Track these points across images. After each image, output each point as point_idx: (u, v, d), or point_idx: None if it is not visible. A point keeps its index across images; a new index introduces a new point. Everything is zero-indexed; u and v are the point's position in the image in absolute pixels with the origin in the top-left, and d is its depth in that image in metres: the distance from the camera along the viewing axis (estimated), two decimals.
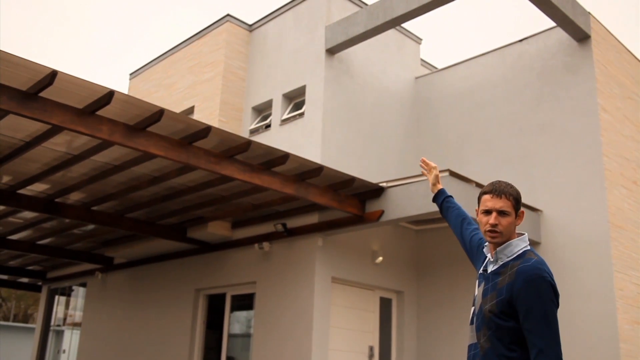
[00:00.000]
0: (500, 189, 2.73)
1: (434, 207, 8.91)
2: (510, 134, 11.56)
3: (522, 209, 2.78)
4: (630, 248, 10.49)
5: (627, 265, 10.23)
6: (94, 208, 10.68)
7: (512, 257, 2.66)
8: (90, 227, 12.12)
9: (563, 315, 9.97)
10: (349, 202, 9.60)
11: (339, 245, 10.51)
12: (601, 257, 9.87)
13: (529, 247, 2.69)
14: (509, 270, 2.62)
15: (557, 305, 2.52)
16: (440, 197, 3.43)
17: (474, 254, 3.00)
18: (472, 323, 2.76)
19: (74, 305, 18.18)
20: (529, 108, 11.44)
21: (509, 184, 2.80)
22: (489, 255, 2.79)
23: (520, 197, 2.79)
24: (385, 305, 11.42)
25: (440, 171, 9.23)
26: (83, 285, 16.47)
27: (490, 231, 2.70)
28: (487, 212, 2.73)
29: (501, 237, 2.70)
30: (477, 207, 2.85)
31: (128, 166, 8.53)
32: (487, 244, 2.83)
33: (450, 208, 3.33)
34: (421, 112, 13.31)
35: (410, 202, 9.28)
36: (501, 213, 2.69)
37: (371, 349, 10.97)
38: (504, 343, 2.55)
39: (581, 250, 10.06)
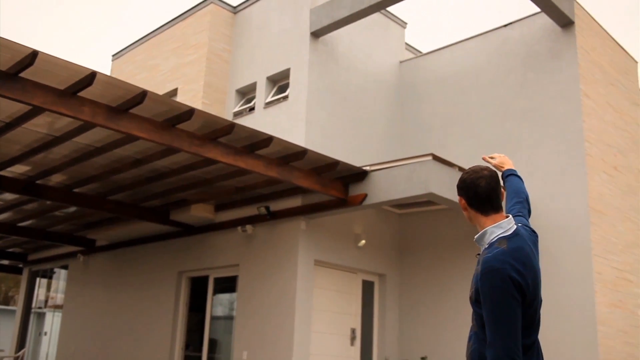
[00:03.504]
0: None
1: (417, 191, 8.98)
2: (494, 118, 11.62)
3: (459, 197, 2.83)
4: (610, 232, 10.62)
5: (606, 249, 10.37)
6: (76, 190, 10.60)
7: (487, 245, 2.69)
8: (72, 209, 12.04)
9: (542, 297, 10.08)
10: (332, 185, 9.62)
11: (322, 228, 10.54)
12: (581, 241, 9.99)
13: (506, 234, 2.67)
14: (480, 259, 2.67)
15: (517, 298, 2.49)
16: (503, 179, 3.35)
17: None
18: None
19: (55, 288, 18.10)
20: (513, 93, 11.49)
21: (463, 172, 2.88)
22: None
23: (459, 184, 2.83)
24: (367, 288, 11.49)
25: (424, 155, 9.30)
26: (65, 267, 16.39)
27: None
28: None
29: (471, 223, 2.85)
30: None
31: (110, 148, 8.47)
32: None
33: (507, 189, 3.27)
34: (405, 96, 13.32)
35: (393, 185, 9.31)
36: None
37: (353, 331, 11.05)
38: (481, 327, 2.63)
39: (561, 235, 10.17)
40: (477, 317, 2.64)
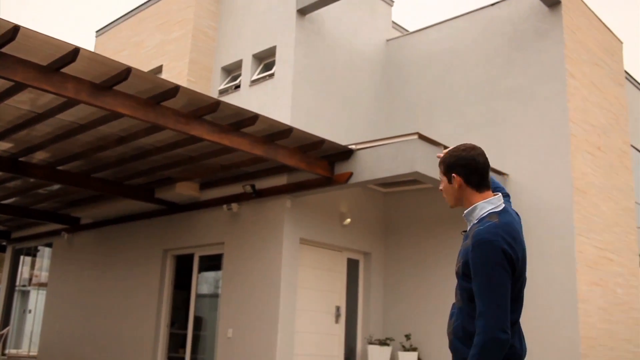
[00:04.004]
0: (439, 160, 2.90)
1: (402, 170, 9.00)
2: (480, 98, 11.64)
3: (453, 173, 2.78)
4: (592, 212, 10.74)
5: (588, 228, 10.49)
6: (60, 168, 10.52)
7: (477, 220, 2.71)
8: (56, 187, 11.95)
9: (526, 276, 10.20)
10: (318, 163, 9.62)
11: (307, 206, 10.56)
12: (564, 220, 10.10)
13: (497, 210, 2.71)
14: (471, 233, 2.69)
15: (508, 271, 2.53)
16: None
17: None
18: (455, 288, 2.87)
19: (39, 266, 18.03)
20: (499, 72, 11.51)
21: (449, 150, 2.86)
22: None
23: (452, 162, 2.80)
24: (352, 266, 11.56)
25: (410, 134, 9.31)
26: (49, 245, 16.31)
27: None
28: None
29: (449, 202, 2.86)
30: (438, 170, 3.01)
31: (94, 125, 8.40)
32: None
33: None
34: (392, 75, 13.30)
35: (379, 164, 9.33)
36: (440, 182, 2.88)
37: (338, 309, 11.13)
38: (467, 302, 2.64)
39: (545, 214, 10.27)
40: (464, 292, 2.66)
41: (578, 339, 9.61)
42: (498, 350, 2.45)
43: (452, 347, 2.72)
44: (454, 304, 2.81)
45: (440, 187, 2.87)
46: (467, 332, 2.63)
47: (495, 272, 2.50)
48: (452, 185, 2.78)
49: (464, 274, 2.64)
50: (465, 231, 2.83)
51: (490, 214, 2.69)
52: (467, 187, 2.75)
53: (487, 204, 2.72)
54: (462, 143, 2.90)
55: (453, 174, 2.79)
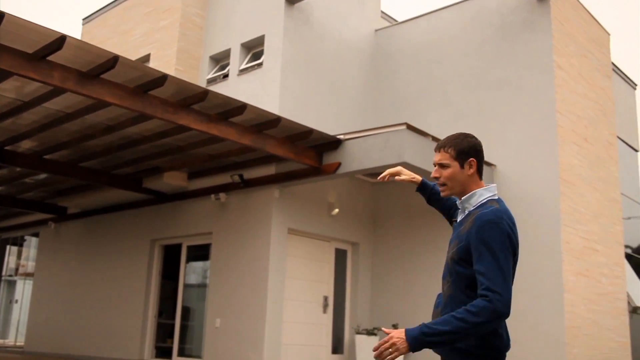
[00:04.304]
0: (441, 143, 2.82)
1: (390, 160, 9.01)
2: (468, 88, 11.67)
3: (472, 158, 2.78)
4: (579, 203, 10.82)
5: (574, 219, 10.56)
6: (47, 157, 10.45)
7: (477, 206, 2.73)
8: (43, 176, 11.87)
9: None
10: (306, 153, 9.62)
11: (295, 196, 10.57)
12: (550, 211, 10.16)
13: (495, 197, 2.75)
14: (470, 218, 2.68)
15: (512, 253, 2.58)
16: (427, 190, 3.30)
17: (452, 216, 3.06)
18: (443, 276, 2.83)
19: (26, 256, 17.96)
20: (487, 63, 11.54)
21: (454, 137, 2.84)
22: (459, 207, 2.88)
23: (467, 147, 2.79)
24: (340, 256, 11.59)
25: (398, 124, 9.32)
26: (35, 235, 16.22)
27: (437, 184, 2.84)
28: (434, 165, 2.85)
29: (448, 189, 2.79)
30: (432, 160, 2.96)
31: (81, 114, 8.35)
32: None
33: (441, 199, 3.23)
34: (380, 65, 13.29)
35: (367, 154, 9.34)
36: (441, 166, 2.78)
37: (326, 299, 11.17)
38: (462, 289, 2.62)
39: (532, 204, 10.33)
40: (459, 278, 2.63)
41: (563, 328, 9.70)
42: (497, 324, 2.48)
43: None
44: (439, 294, 2.79)
45: (437, 174, 2.79)
46: None
47: (503, 252, 2.53)
48: (464, 171, 2.76)
49: (462, 259, 2.62)
50: (455, 220, 2.83)
51: (490, 201, 2.71)
52: (475, 173, 2.78)
53: (486, 192, 2.75)
54: (460, 132, 2.90)
55: (471, 159, 2.77)
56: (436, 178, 2.80)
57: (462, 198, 2.77)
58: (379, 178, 3.25)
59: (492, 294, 2.43)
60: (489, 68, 11.47)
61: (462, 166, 2.76)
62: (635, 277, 14.26)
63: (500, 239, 2.55)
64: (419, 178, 3.30)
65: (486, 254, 2.51)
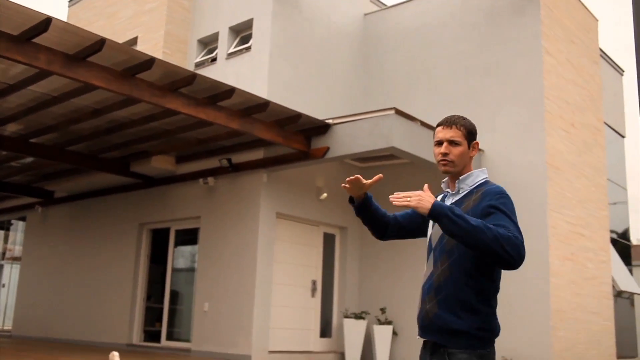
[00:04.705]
0: (451, 120, 2.80)
1: (379, 145, 9.02)
2: (456, 73, 11.67)
3: (477, 140, 2.82)
4: (565, 188, 10.89)
5: (561, 204, 10.64)
6: (33, 140, 10.37)
7: (474, 186, 2.74)
8: (29, 159, 11.78)
9: None
10: (294, 138, 9.60)
11: (284, 181, 10.56)
12: (537, 196, 10.23)
13: (488, 179, 2.80)
14: (474, 196, 2.69)
15: None
16: (371, 203, 3.03)
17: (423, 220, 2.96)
18: (428, 260, 2.76)
19: (13, 240, 17.87)
20: (476, 48, 11.53)
21: (462, 117, 2.86)
22: (448, 190, 2.83)
23: (475, 129, 2.83)
24: (328, 241, 11.62)
25: (386, 109, 9.32)
26: (22, 219, 16.13)
27: (442, 161, 2.75)
28: (439, 143, 2.78)
29: (453, 167, 2.75)
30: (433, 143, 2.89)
31: (68, 97, 8.28)
32: (445, 180, 2.88)
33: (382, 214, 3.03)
34: (369, 50, 13.25)
35: (356, 139, 9.34)
36: (451, 143, 2.75)
37: (314, 283, 11.21)
38: (466, 269, 2.57)
39: (519, 190, 10.37)
40: (465, 258, 2.57)
41: (549, 312, 9.80)
42: (506, 261, 2.48)
43: (436, 320, 2.57)
44: (429, 279, 2.68)
45: (447, 150, 2.73)
46: (461, 302, 2.55)
47: (516, 219, 2.61)
48: (469, 151, 2.78)
49: None
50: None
51: (487, 181, 2.76)
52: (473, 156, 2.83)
53: (481, 173, 2.79)
54: (453, 114, 2.93)
55: (475, 142, 2.82)
56: (444, 154, 2.73)
57: (460, 178, 2.76)
58: (346, 180, 2.99)
59: (519, 237, 2.50)
60: (478, 53, 11.47)
61: (469, 146, 2.78)
62: (620, 261, 14.41)
63: (513, 209, 2.62)
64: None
65: (503, 216, 2.55)
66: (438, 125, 2.82)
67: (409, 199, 2.56)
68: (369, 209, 2.94)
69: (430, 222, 2.83)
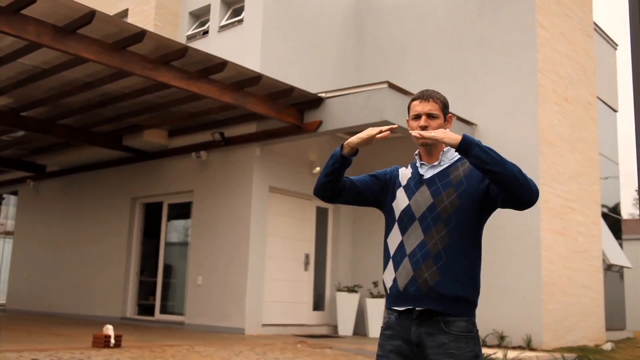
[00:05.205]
0: (428, 94, 2.79)
1: (372, 119, 8.99)
2: (450, 47, 11.61)
3: (450, 113, 2.83)
4: (558, 162, 10.92)
5: (553, 178, 10.68)
6: (24, 114, 10.29)
7: (454, 159, 2.76)
8: (20, 133, 11.71)
9: (490, 224, 10.40)
10: (287, 111, 9.57)
11: (276, 154, 10.55)
12: (530, 170, 10.24)
13: None
14: (460, 167, 2.71)
15: None
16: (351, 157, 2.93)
17: (389, 183, 2.93)
18: (406, 230, 2.71)
19: (5, 214, 17.83)
20: (470, 21, 11.46)
21: (436, 91, 2.85)
22: (420, 165, 2.81)
23: (448, 103, 2.84)
24: (321, 215, 11.65)
25: (379, 82, 9.28)
26: (14, 193, 16.08)
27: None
28: (417, 116, 2.77)
29: (431, 140, 2.72)
30: (407, 117, 2.86)
31: (58, 70, 8.21)
32: (417, 153, 2.87)
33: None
34: (362, 23, 13.15)
35: (349, 113, 9.32)
36: (430, 116, 2.74)
37: (307, 256, 11.26)
38: (464, 237, 2.62)
39: None
40: (464, 227, 2.61)
41: (540, 285, 9.89)
42: (522, 195, 2.55)
43: (437, 287, 2.54)
44: (421, 248, 2.64)
45: (426, 124, 2.72)
46: (463, 269, 2.57)
47: None
48: (445, 124, 2.78)
49: (465, 206, 2.62)
50: (420, 177, 2.77)
51: (460, 157, 2.75)
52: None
53: (452, 148, 2.73)
54: (426, 88, 2.90)
55: (450, 115, 2.82)
56: (423, 127, 2.71)
57: (444, 150, 2.78)
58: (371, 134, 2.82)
59: (532, 183, 2.58)
60: (472, 26, 11.40)
61: (444, 120, 2.78)
62: (611, 235, 14.53)
63: None
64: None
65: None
66: (414, 99, 2.82)
67: (432, 133, 2.60)
68: (347, 166, 2.90)
69: (403, 192, 2.80)
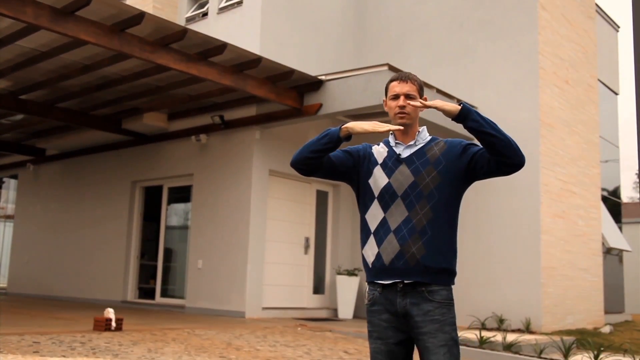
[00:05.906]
0: (406, 75, 2.91)
1: (372, 102, 8.95)
2: (451, 29, 11.54)
3: (425, 95, 2.94)
4: (558, 145, 10.90)
5: (553, 162, 10.66)
6: (22, 97, 10.25)
7: (428, 139, 2.91)
8: (19, 116, 11.68)
9: (490, 207, 10.44)
10: (287, 94, 9.54)
11: (276, 138, 10.53)
12: (530, 153, 10.22)
13: None
14: (435, 147, 2.85)
15: None
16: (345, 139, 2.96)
17: (362, 159, 3.01)
18: (388, 207, 2.79)
19: (5, 198, 17.83)
20: (470, 3, 11.38)
21: (412, 73, 2.98)
22: (395, 144, 2.92)
23: (423, 86, 2.97)
24: (321, 198, 11.65)
25: (380, 65, 9.23)
26: (14, 177, 16.07)
27: (399, 114, 2.86)
28: (396, 96, 2.89)
29: (410, 119, 2.87)
30: (384, 98, 2.98)
31: (57, 53, 8.16)
32: (391, 135, 2.97)
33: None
34: (363, 5, 13.06)
35: (349, 96, 9.28)
36: (408, 96, 2.86)
37: (307, 239, 11.27)
38: (444, 210, 2.76)
39: None
40: (441, 198, 2.75)
41: (539, 268, 9.91)
42: (521, 152, 2.84)
43: (424, 261, 2.66)
44: (406, 224, 2.73)
45: (405, 104, 2.85)
46: (446, 242, 2.75)
47: None
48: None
49: (446, 180, 2.76)
50: (396, 156, 2.86)
51: (435, 137, 2.92)
52: None
53: (424, 129, 2.94)
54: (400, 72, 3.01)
55: (425, 97, 2.92)
56: (402, 107, 2.84)
57: (419, 130, 2.93)
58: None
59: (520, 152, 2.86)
60: (473, 8, 11.33)
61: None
62: (610, 219, 14.54)
63: None
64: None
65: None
66: (393, 80, 2.93)
67: (432, 102, 2.74)
68: (338, 147, 2.97)
69: (381, 170, 2.87)
